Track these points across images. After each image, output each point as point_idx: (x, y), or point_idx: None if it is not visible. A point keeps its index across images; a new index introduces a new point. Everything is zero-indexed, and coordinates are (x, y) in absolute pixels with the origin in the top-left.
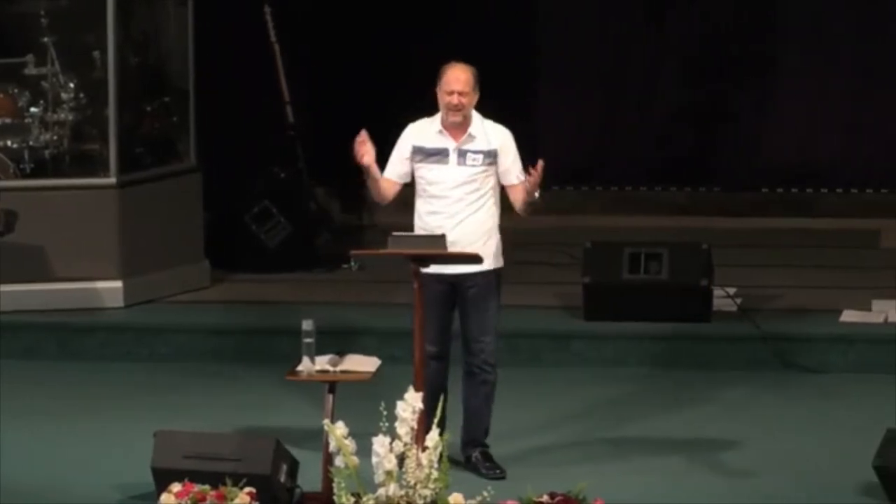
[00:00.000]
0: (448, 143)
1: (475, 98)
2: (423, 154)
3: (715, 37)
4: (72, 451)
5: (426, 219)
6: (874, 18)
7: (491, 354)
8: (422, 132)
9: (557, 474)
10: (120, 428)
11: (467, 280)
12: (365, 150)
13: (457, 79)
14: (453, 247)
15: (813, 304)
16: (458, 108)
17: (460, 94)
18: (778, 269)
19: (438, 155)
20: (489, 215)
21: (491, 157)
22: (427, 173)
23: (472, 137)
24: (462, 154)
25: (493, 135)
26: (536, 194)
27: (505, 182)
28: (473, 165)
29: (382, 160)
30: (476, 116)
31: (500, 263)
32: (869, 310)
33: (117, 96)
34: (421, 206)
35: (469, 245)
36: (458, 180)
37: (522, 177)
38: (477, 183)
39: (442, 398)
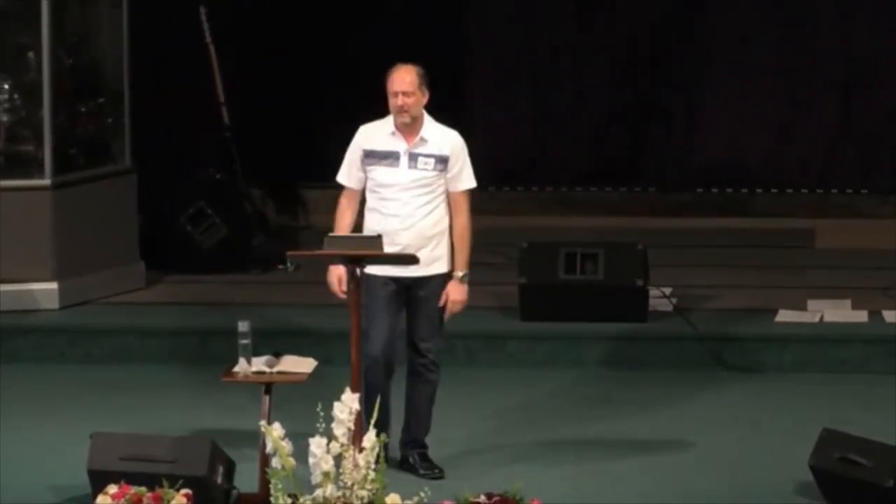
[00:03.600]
0: (400, 145)
1: (423, 98)
2: (375, 157)
3: (647, 37)
4: (6, 453)
5: (374, 222)
6: (804, 18)
7: (437, 355)
8: (373, 135)
9: (494, 474)
10: (55, 430)
11: (419, 283)
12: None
13: (401, 80)
14: (406, 250)
15: (748, 304)
16: (403, 110)
17: (404, 94)
18: (713, 270)
19: (390, 158)
20: (440, 219)
21: (442, 162)
22: (378, 175)
23: (424, 141)
24: (413, 157)
25: (445, 140)
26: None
27: (450, 188)
28: (425, 169)
29: (321, 162)
30: (428, 120)
31: (450, 267)
32: (804, 309)
33: (52, 97)
34: (372, 205)
35: (419, 248)
36: (408, 184)
37: (469, 185)
38: (428, 187)
39: (379, 400)
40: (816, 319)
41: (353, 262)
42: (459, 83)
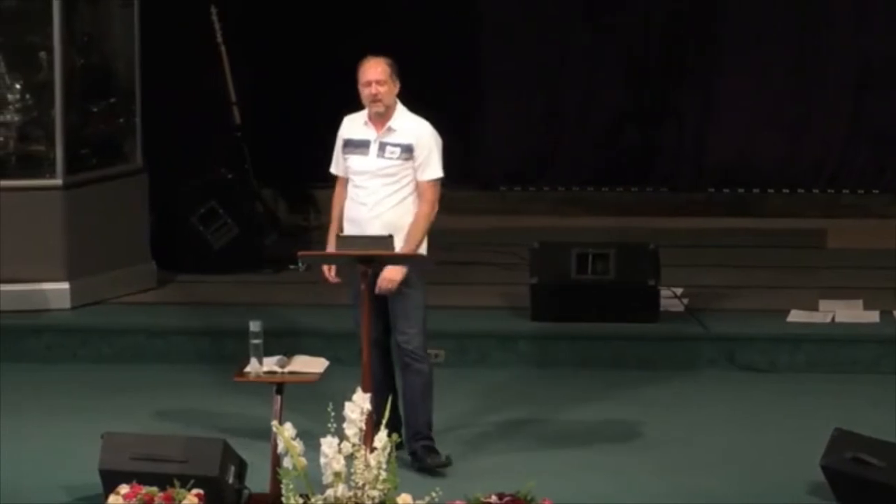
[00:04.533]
0: (371, 134)
1: (395, 88)
2: (351, 145)
3: (657, 37)
4: (18, 453)
5: (349, 209)
6: (816, 18)
7: (419, 346)
8: (351, 124)
9: (505, 474)
10: (67, 430)
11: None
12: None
13: (372, 69)
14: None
15: (760, 304)
16: (377, 98)
17: (377, 82)
18: (725, 270)
19: (362, 146)
20: (407, 211)
21: (407, 151)
22: (351, 163)
23: (391, 130)
24: (382, 146)
25: (412, 129)
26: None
27: (417, 178)
28: (390, 158)
29: (324, 164)
30: (400, 109)
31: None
32: (816, 310)
33: (63, 97)
34: (349, 194)
35: None
36: (375, 171)
37: (433, 175)
38: (395, 176)
39: (392, 397)
40: (828, 320)
41: (365, 262)
42: (471, 83)
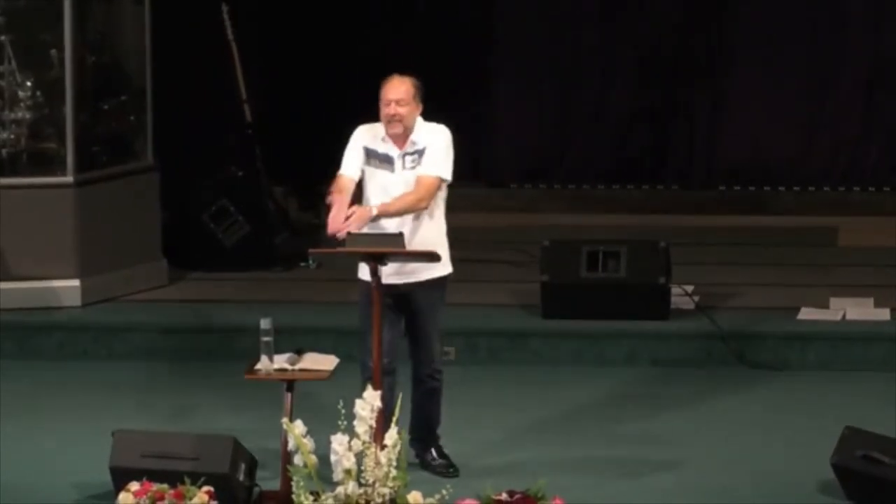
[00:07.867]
0: (392, 150)
1: (417, 110)
2: (374, 157)
3: (671, 35)
4: (29, 451)
5: (375, 222)
6: (829, 16)
7: (439, 361)
8: (370, 136)
9: (516, 472)
10: (78, 427)
11: (416, 290)
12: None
13: (395, 88)
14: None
15: (771, 301)
16: (396, 119)
17: (397, 102)
18: (736, 267)
19: (386, 161)
20: (435, 222)
21: (423, 155)
22: (376, 178)
23: (413, 143)
24: (404, 159)
25: (428, 135)
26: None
27: (418, 172)
28: (412, 168)
29: (335, 162)
30: (419, 123)
31: (447, 270)
32: (826, 307)
33: (74, 95)
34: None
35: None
36: (404, 186)
37: (433, 171)
38: None
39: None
40: (838, 317)
41: (375, 259)
42: (484, 81)
